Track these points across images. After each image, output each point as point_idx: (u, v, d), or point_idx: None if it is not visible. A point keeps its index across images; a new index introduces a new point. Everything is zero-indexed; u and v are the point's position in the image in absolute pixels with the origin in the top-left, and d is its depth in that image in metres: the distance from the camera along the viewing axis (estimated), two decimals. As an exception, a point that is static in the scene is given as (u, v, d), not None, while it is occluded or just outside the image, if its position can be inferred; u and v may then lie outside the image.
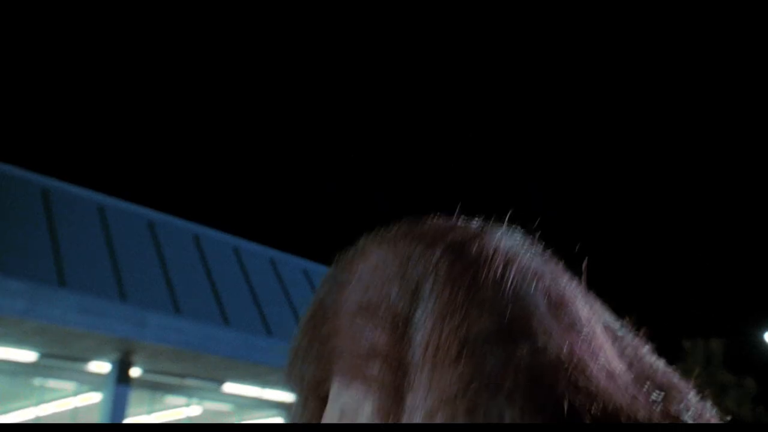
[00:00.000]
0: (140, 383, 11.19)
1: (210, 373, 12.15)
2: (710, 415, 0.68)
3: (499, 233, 0.56)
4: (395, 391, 0.46)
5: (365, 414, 0.48)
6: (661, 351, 0.95)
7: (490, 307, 0.49)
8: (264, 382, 12.74)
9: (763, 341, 19.34)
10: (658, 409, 0.67)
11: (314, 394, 0.56)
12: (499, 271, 0.51)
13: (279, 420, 13.42)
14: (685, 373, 0.94)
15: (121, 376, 10.93)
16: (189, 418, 13.44)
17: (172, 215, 14.34)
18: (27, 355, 10.44)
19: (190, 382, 12.22)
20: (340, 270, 0.56)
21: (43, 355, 10.58)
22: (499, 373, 0.45)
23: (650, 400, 0.65)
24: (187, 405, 13.29)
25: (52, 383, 11.46)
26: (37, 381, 11.35)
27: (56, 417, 11.96)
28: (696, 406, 0.70)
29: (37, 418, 11.68)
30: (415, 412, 0.46)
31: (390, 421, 0.47)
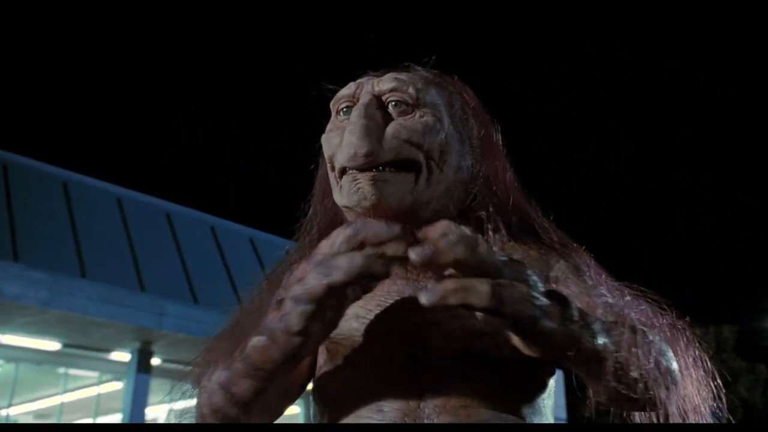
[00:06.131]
0: (160, 372, 11.40)
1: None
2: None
3: None
4: None
5: None
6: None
7: None
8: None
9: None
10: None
11: None
12: None
13: (296, 408, 13.62)
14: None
15: (141, 365, 11.14)
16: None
17: (189, 207, 14.54)
18: (50, 345, 10.69)
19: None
20: None
21: (65, 345, 10.81)
22: None
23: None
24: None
25: (74, 372, 11.71)
26: (61, 369, 11.61)
27: (79, 404, 12.24)
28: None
29: (62, 405, 11.96)
30: None
31: None
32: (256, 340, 0.93)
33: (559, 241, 1.15)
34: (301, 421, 11.90)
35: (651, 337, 0.96)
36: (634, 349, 0.90)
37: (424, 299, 0.79)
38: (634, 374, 0.90)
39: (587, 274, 1.10)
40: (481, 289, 0.78)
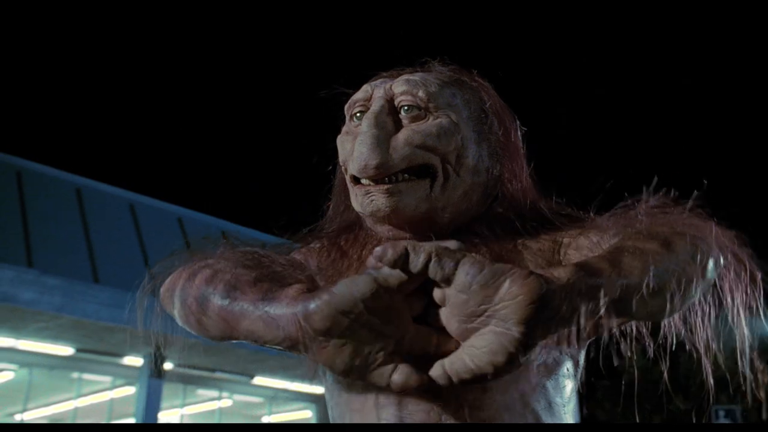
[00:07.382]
0: (173, 377, 11.42)
1: (240, 367, 12.37)
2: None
3: None
4: None
5: None
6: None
7: None
8: (293, 375, 12.94)
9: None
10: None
11: None
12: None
13: (307, 412, 13.63)
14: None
15: (154, 369, 11.16)
16: (221, 410, 13.72)
17: (201, 212, 14.60)
18: (64, 350, 10.74)
19: (220, 375, 12.46)
20: None
21: (79, 350, 10.86)
22: None
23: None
24: (219, 398, 13.56)
25: (88, 377, 11.76)
26: (74, 374, 11.65)
27: (93, 409, 12.29)
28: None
29: (75, 409, 12.01)
30: None
31: None
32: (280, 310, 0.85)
33: (591, 224, 1.11)
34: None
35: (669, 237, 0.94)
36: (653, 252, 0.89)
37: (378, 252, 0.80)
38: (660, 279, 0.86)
39: (595, 221, 1.09)
40: (422, 252, 0.79)
